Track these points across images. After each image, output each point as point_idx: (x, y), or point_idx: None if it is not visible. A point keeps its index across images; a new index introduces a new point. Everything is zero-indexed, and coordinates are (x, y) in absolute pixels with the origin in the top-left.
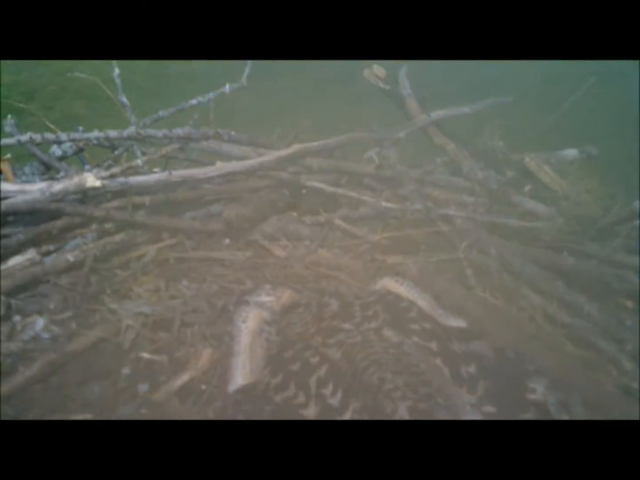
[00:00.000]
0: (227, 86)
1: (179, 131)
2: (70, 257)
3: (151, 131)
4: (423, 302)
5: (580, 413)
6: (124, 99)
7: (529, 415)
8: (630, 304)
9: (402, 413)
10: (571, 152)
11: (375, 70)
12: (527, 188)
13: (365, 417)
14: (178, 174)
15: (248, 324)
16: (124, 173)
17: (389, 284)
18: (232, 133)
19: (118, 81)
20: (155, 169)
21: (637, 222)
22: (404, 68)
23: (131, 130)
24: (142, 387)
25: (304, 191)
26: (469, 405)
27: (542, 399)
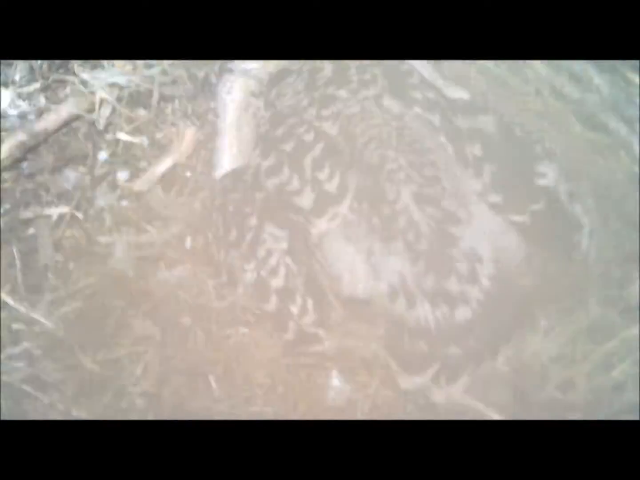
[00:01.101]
0: None
1: None
2: None
3: None
4: (423, 69)
5: (591, 206)
6: None
7: (540, 206)
8: (638, 79)
9: (406, 200)
10: None
11: None
12: None
13: (365, 206)
14: None
15: (233, 96)
16: None
17: None
18: None
19: None
20: None
21: None
22: None
23: None
24: (122, 175)
25: None
26: (475, 195)
27: (553, 186)
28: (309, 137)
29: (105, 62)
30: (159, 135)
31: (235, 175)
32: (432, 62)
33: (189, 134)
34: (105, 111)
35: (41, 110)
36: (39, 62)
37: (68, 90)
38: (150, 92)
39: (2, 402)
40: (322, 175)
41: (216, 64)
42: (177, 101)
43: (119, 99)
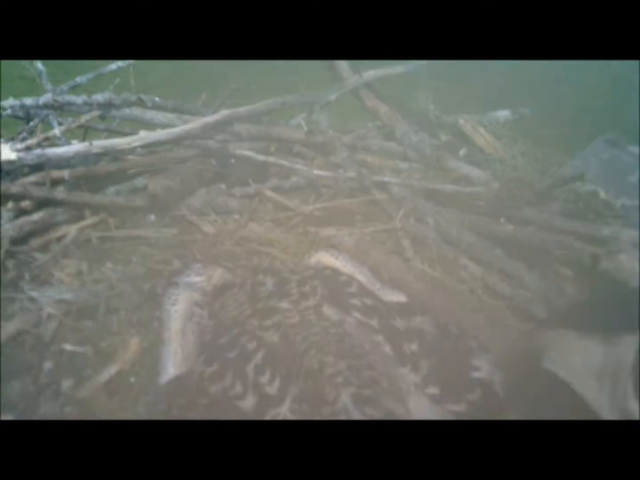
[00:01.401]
0: None
1: (98, 97)
2: None
3: (69, 97)
4: (361, 276)
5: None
6: (39, 65)
7: (475, 395)
8: (568, 272)
9: (345, 401)
10: (503, 113)
11: None
12: (462, 152)
13: (305, 406)
14: (99, 144)
15: (178, 307)
16: (40, 145)
17: (324, 258)
18: (156, 99)
19: None
20: (74, 141)
21: (577, 185)
22: None
23: (48, 97)
24: (66, 383)
25: (232, 161)
26: (413, 386)
27: (487, 377)
28: (251, 345)
29: (54, 279)
30: (103, 344)
31: (180, 381)
32: (371, 268)
33: (134, 343)
34: (52, 324)
35: None
36: None
37: (16, 306)
38: (97, 306)
39: None
40: (264, 379)
41: (162, 278)
42: (122, 312)
43: (66, 313)
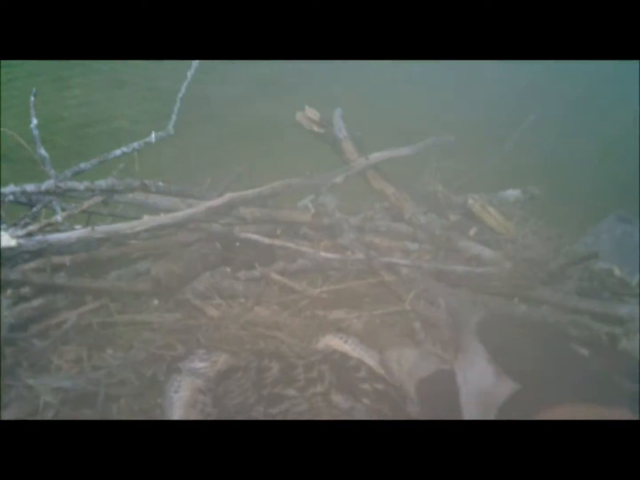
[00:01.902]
0: (153, 134)
1: (102, 183)
2: None
3: (72, 184)
4: (370, 360)
5: None
6: (43, 151)
7: None
8: (585, 351)
9: None
10: (513, 193)
11: (308, 113)
12: (472, 232)
13: None
14: (102, 229)
15: (181, 394)
16: (42, 231)
17: (333, 341)
18: (160, 184)
19: (36, 133)
20: (77, 226)
21: (591, 263)
22: (339, 110)
23: (50, 183)
24: None
25: (237, 244)
26: None
27: None
28: None
29: (52, 366)
30: None
31: None
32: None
33: None
34: (49, 413)
35: None
36: None
37: (13, 394)
38: (96, 394)
39: None
40: None
41: (164, 364)
42: (123, 400)
43: (63, 402)
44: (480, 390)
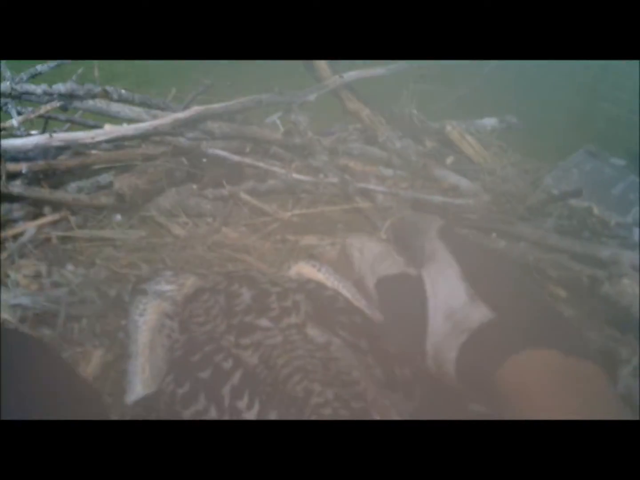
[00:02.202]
0: None
1: (60, 87)
2: None
3: (28, 86)
4: (346, 290)
5: None
6: None
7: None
8: (563, 293)
9: None
10: (490, 121)
11: None
12: (449, 160)
13: None
14: (60, 137)
15: (146, 317)
16: None
17: (305, 269)
18: (122, 91)
19: None
20: (34, 131)
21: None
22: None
23: (5, 85)
24: None
25: (204, 160)
26: (408, 416)
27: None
28: (227, 364)
29: (9, 281)
30: (64, 355)
31: (148, 401)
32: (355, 284)
33: (97, 355)
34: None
35: None
36: None
37: None
38: (56, 313)
39: None
40: (241, 404)
41: (129, 285)
42: (84, 320)
43: (21, 320)
44: (451, 308)
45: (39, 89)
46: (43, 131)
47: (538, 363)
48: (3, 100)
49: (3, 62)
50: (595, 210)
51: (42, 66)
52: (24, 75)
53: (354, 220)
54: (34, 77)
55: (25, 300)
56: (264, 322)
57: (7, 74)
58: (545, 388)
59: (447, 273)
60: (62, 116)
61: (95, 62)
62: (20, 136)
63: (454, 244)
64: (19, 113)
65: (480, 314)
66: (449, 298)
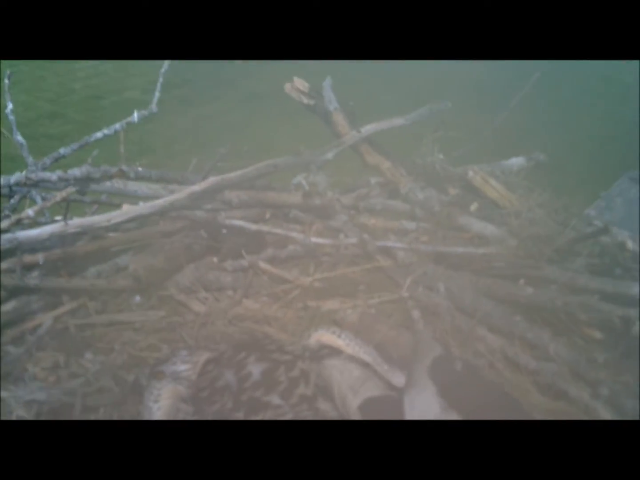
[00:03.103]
0: (135, 114)
1: (76, 172)
2: None
3: (43, 174)
4: (366, 355)
5: None
6: (19, 138)
7: None
8: (598, 334)
9: None
10: (517, 161)
11: (297, 83)
12: (473, 207)
13: None
14: (75, 223)
15: (160, 403)
16: (13, 227)
17: (325, 337)
18: (139, 169)
19: (12, 118)
20: (58, 217)
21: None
22: (329, 80)
23: (19, 175)
24: None
25: (224, 231)
26: None
27: None
28: None
29: (27, 374)
30: None
31: None
32: (375, 348)
33: None
34: None
35: None
36: None
37: None
38: (71, 404)
39: None
40: None
41: (146, 367)
42: (101, 410)
43: (37, 415)
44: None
45: (54, 175)
46: (65, 216)
47: None
48: (25, 189)
49: (25, 147)
50: (629, 245)
51: (65, 149)
52: (46, 160)
53: (376, 280)
54: (57, 161)
55: (40, 396)
56: (273, 399)
57: (29, 159)
58: None
59: (425, 393)
60: (86, 198)
61: (121, 137)
62: (41, 224)
63: (442, 374)
64: (44, 199)
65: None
66: (425, 411)
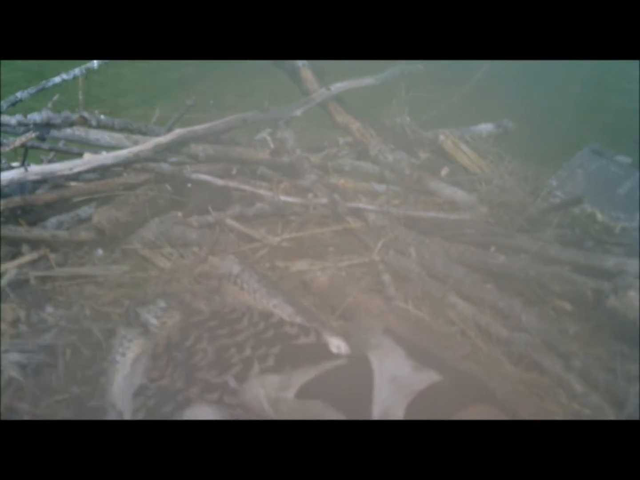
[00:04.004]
0: (95, 61)
1: (35, 116)
2: None
3: (3, 117)
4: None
5: None
6: None
7: None
8: (569, 306)
9: None
10: (486, 127)
11: None
12: (443, 172)
13: None
14: (36, 170)
15: (128, 357)
16: None
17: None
18: (101, 117)
19: None
20: (15, 164)
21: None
22: None
23: None
24: None
25: (189, 185)
26: None
27: None
28: None
29: None
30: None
31: None
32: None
33: None
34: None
35: None
36: None
37: None
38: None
39: None
40: None
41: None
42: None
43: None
44: (395, 376)
45: (13, 119)
46: (23, 163)
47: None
48: None
49: None
50: (599, 217)
51: (22, 93)
52: (3, 104)
53: (346, 242)
54: (14, 105)
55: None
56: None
57: None
58: None
59: (393, 355)
60: (44, 145)
61: (80, 83)
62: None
63: (398, 337)
64: (1, 144)
65: (427, 377)
66: (395, 370)
